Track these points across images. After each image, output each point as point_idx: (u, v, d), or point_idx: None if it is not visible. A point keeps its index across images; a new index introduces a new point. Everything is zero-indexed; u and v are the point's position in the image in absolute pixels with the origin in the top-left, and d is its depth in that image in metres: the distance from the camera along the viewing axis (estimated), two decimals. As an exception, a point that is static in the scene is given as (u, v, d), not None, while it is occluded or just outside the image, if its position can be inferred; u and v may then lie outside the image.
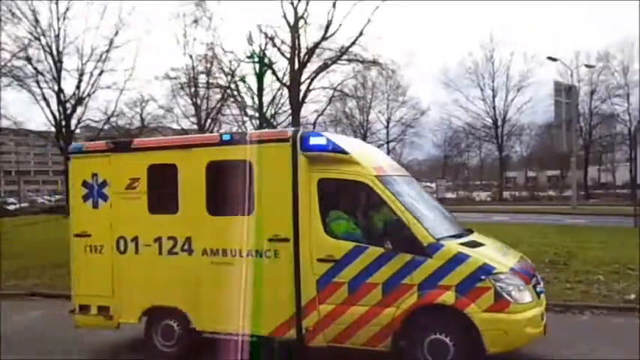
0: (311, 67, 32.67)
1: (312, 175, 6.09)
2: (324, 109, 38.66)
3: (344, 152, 6.12)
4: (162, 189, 6.86)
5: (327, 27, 31.08)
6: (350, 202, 6.38)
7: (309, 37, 31.78)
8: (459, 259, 5.55)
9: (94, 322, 7.17)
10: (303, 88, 32.53)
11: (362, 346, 5.86)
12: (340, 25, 31.20)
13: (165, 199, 6.81)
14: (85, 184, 7.23)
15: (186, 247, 6.62)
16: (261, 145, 6.31)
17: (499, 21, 67.62)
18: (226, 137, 6.56)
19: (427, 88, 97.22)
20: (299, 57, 31.74)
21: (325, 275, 5.97)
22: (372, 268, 5.79)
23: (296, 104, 31.85)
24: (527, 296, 5.56)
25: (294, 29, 30.96)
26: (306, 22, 31.02)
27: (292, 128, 6.62)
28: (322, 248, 5.98)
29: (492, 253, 5.87)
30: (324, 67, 32.93)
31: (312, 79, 33.16)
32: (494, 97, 51.22)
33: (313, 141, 6.10)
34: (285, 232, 6.10)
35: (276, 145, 6.24)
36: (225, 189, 6.48)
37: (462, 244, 5.86)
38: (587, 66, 44.62)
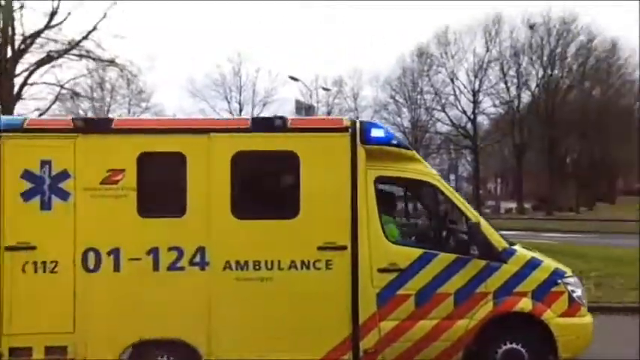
0: (30, 59, 28.80)
1: (370, 172, 5.28)
2: (49, 108, 34.14)
3: (407, 148, 5.46)
4: (159, 185, 5.27)
5: (53, 15, 27.79)
6: (411, 203, 5.72)
7: (29, 22, 27.70)
8: (533, 264, 5.36)
9: None
10: (19, 81, 28.53)
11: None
12: (69, 14, 27.64)
13: (166, 197, 5.25)
14: (27, 175, 5.12)
15: (197, 259, 5.14)
16: (309, 134, 5.26)
17: (247, 37, 74.12)
18: (263, 122, 5.30)
19: (173, 95, 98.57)
20: (12, 44, 27.95)
21: (387, 287, 5.19)
22: (443, 276, 5.24)
23: (7, 99, 27.49)
24: (585, 299, 5.64)
25: (6, 11, 26.66)
26: (22, 6, 27.15)
27: (347, 117, 5.68)
28: (384, 256, 5.20)
29: (549, 259, 5.82)
30: (47, 59, 29.32)
31: (32, 73, 29.01)
32: (240, 110, 52.58)
33: (375, 133, 5.30)
34: (340, 238, 5.15)
35: (330, 135, 5.27)
36: (258, 186, 5.24)
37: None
38: (324, 89, 49.45)
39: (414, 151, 5.52)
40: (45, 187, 5.14)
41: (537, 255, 5.55)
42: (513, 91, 49.97)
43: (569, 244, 18.01)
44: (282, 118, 5.29)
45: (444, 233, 5.60)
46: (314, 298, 5.15)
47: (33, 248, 5.08)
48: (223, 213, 5.14)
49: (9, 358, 5.08)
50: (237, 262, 5.13)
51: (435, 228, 5.72)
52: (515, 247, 5.49)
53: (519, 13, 57.95)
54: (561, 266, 5.60)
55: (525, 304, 5.28)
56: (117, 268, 5.12)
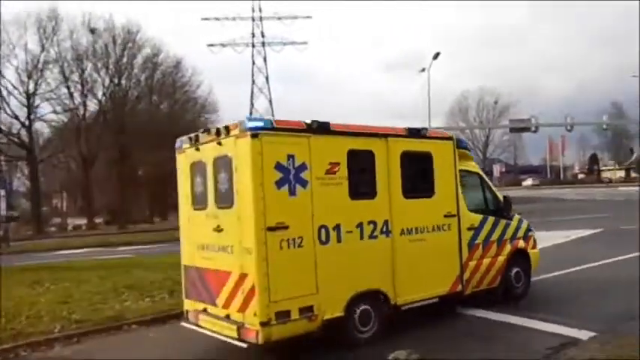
0: None
1: (458, 166, 8.16)
2: None
3: (468, 149, 8.50)
4: (360, 174, 6.92)
5: None
6: (471, 186, 8.65)
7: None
8: (521, 221, 9.17)
9: (293, 328, 6.13)
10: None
11: (487, 286, 8.41)
12: None
13: (364, 184, 6.96)
14: (279, 166, 6.12)
15: (384, 229, 7.06)
16: (435, 140, 7.80)
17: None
18: (414, 131, 7.53)
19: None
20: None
21: (471, 240, 8.17)
22: (492, 230, 8.53)
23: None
24: None
25: None
26: None
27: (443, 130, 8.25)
28: (467, 220, 8.16)
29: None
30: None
31: None
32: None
33: (462, 143, 8.21)
34: (453, 209, 7.88)
35: (444, 142, 7.92)
36: (414, 175, 7.46)
37: None
38: None
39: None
40: (291, 177, 6.22)
41: (521, 217, 9.38)
42: (78, 97, 45.42)
43: (143, 256, 18.29)
44: (425, 129, 7.69)
45: (487, 203, 8.84)
46: (444, 250, 7.72)
47: (286, 228, 6.11)
48: (397, 195, 7.21)
49: (276, 322, 5.96)
50: (408, 229, 7.28)
51: (482, 201, 8.87)
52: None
53: (80, 14, 51.23)
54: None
55: (522, 244, 9.04)
56: (339, 239, 6.58)
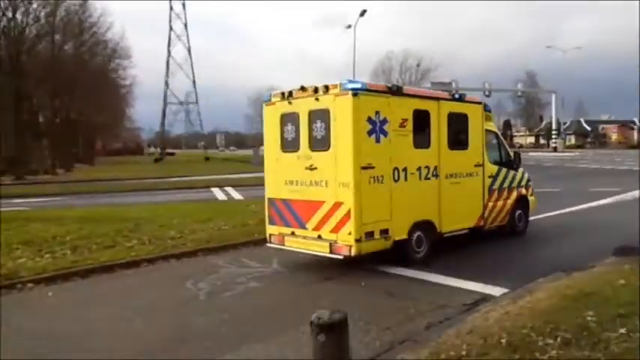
0: None
1: (484, 126, 10.07)
2: None
3: (490, 112, 10.42)
4: (421, 129, 8.69)
5: None
6: (490, 142, 10.58)
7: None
8: (523, 171, 11.27)
9: (375, 245, 7.97)
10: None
11: (499, 223, 10.50)
12: None
13: (422, 137, 8.74)
14: (369, 119, 7.80)
15: (435, 173, 8.92)
16: (470, 104, 9.64)
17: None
18: (456, 96, 9.35)
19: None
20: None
21: (490, 186, 10.18)
22: (504, 179, 10.58)
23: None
24: None
25: None
26: None
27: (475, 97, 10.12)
28: (488, 170, 10.15)
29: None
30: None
31: None
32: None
33: (487, 106, 10.11)
34: (480, 160, 9.83)
35: (476, 106, 9.78)
36: (455, 131, 9.30)
37: None
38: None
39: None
40: (377, 128, 7.92)
41: (524, 169, 11.48)
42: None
43: (44, 209, 17.30)
44: (464, 94, 9.50)
45: (501, 157, 10.84)
46: (473, 192, 9.70)
47: (373, 167, 7.85)
48: (444, 146, 9.04)
49: (365, 240, 7.75)
50: (450, 174, 9.16)
51: (500, 153, 10.84)
52: None
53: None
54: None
55: (523, 191, 11.18)
56: (405, 179, 8.39)
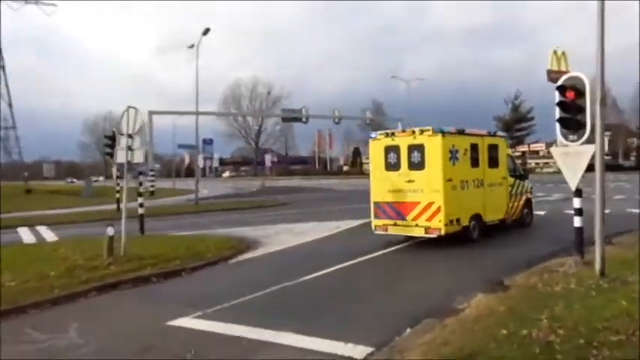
0: None
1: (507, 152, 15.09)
2: None
3: (508, 141, 15.49)
4: (474, 155, 13.57)
5: None
6: (509, 163, 15.55)
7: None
8: (529, 183, 16.38)
9: (453, 228, 12.76)
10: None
11: (515, 217, 15.48)
12: None
13: (474, 160, 13.63)
14: (450, 150, 12.66)
15: (481, 183, 13.82)
16: (499, 138, 14.72)
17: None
18: (492, 133, 14.41)
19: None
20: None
21: (510, 192, 15.17)
22: (518, 187, 15.62)
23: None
24: None
25: None
26: None
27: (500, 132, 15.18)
28: (509, 181, 15.14)
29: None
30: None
31: None
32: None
33: (506, 136, 15.18)
34: (505, 175, 14.84)
35: (502, 139, 14.90)
36: (491, 156, 14.24)
37: None
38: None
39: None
40: (453, 155, 12.78)
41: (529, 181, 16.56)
42: None
43: None
44: (497, 132, 14.55)
45: (515, 172, 15.82)
46: (501, 196, 14.69)
47: (451, 180, 12.69)
48: (485, 166, 13.99)
49: (449, 225, 12.52)
50: (489, 184, 14.09)
51: (514, 170, 15.80)
52: None
53: None
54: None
55: (529, 196, 16.26)
56: (467, 187, 13.25)
